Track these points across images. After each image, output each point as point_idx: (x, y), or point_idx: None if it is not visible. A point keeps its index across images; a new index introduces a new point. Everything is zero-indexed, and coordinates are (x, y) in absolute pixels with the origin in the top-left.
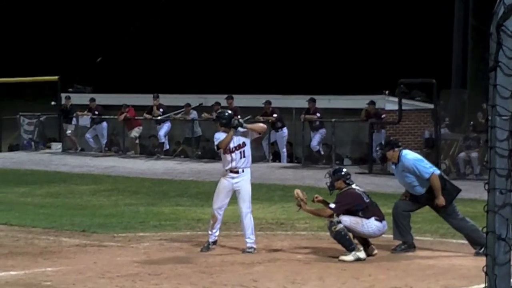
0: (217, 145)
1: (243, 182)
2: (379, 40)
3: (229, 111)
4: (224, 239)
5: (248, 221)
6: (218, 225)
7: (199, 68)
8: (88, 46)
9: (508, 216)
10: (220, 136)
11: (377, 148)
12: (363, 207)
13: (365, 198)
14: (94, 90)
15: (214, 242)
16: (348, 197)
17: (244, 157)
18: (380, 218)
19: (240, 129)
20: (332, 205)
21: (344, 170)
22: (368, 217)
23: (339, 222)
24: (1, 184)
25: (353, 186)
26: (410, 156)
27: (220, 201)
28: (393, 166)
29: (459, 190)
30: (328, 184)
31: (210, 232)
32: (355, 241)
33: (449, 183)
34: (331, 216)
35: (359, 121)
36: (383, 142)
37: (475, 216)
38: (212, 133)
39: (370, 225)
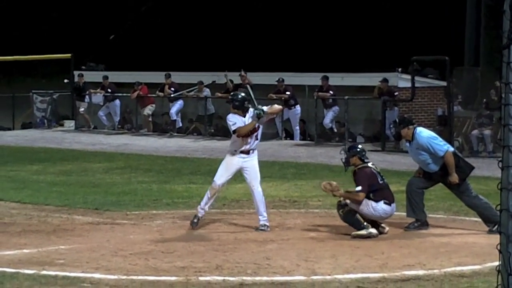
0: (234, 131)
1: (253, 162)
2: (392, 17)
3: (243, 94)
4: (237, 216)
5: (261, 198)
6: (209, 202)
7: (212, 46)
8: (101, 23)
9: None
10: (235, 120)
11: (391, 126)
12: (376, 188)
13: (379, 179)
14: (107, 68)
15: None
16: (365, 175)
17: (257, 139)
18: (390, 201)
19: (264, 117)
20: (359, 188)
21: (360, 146)
22: (377, 200)
23: (346, 204)
24: (14, 162)
25: (369, 164)
26: (424, 133)
27: (226, 176)
28: (407, 144)
29: (472, 168)
30: (343, 160)
31: (202, 207)
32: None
33: (462, 160)
34: (363, 198)
35: (372, 99)
36: (396, 120)
37: (488, 193)
38: (225, 111)
39: (378, 208)
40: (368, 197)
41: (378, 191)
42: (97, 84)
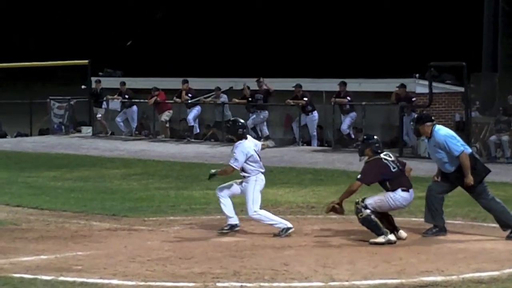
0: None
1: (246, 184)
2: (410, 23)
3: (242, 120)
4: (255, 222)
5: (260, 218)
6: (227, 209)
7: (230, 52)
8: (118, 30)
9: None
10: (242, 151)
11: (411, 123)
12: (389, 177)
13: (391, 168)
14: (124, 74)
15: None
16: (373, 168)
17: (243, 170)
18: (407, 187)
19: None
20: (358, 176)
21: (375, 137)
22: (394, 189)
23: (365, 207)
24: (31, 168)
25: (382, 155)
26: (442, 131)
27: (227, 187)
28: (426, 141)
29: (488, 171)
30: (359, 150)
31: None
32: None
33: (479, 163)
34: (357, 188)
35: (389, 105)
36: (415, 117)
37: (507, 199)
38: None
39: (398, 197)
40: (386, 188)
41: (392, 180)
42: (115, 90)
